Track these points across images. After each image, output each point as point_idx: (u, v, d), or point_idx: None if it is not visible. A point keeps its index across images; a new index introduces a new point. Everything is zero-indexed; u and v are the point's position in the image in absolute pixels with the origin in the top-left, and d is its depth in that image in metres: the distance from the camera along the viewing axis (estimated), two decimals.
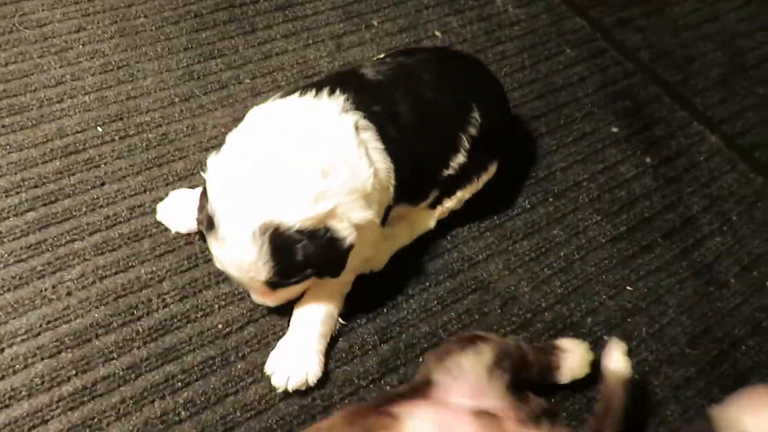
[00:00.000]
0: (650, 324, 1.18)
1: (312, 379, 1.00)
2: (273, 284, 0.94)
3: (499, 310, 1.14)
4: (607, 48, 1.62)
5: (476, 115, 1.11)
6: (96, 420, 0.92)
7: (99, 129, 1.20)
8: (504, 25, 1.58)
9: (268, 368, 0.99)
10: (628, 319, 1.18)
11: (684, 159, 1.45)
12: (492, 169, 1.18)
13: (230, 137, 0.98)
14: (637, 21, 1.72)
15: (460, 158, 1.11)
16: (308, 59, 1.40)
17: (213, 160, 0.95)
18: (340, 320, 1.05)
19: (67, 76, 1.25)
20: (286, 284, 0.95)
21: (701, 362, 1.17)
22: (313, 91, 1.00)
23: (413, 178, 1.06)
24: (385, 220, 1.06)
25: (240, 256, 0.90)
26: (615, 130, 1.46)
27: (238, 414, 0.97)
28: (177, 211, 1.11)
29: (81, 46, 1.29)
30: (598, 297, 1.20)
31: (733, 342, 1.20)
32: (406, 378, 1.04)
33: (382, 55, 1.21)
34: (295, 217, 0.89)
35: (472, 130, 1.11)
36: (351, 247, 0.94)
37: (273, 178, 0.90)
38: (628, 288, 1.22)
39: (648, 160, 1.42)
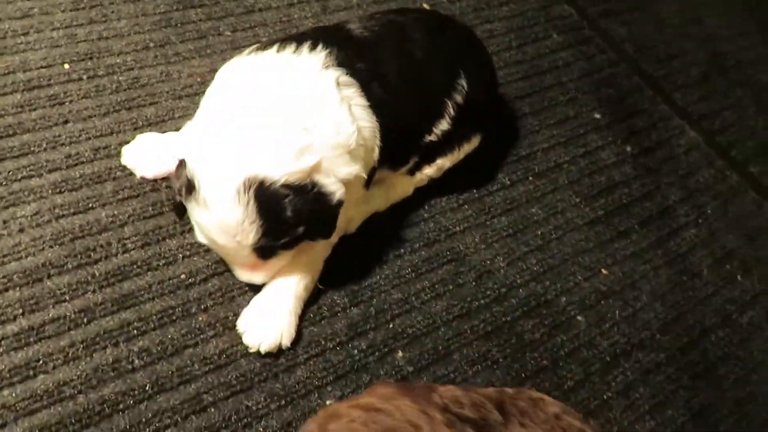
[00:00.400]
0: (624, 308, 1.17)
1: (286, 342, 0.95)
2: (263, 250, 0.88)
3: (473, 283, 1.11)
4: (592, 36, 1.61)
5: (463, 82, 1.08)
6: (41, 362, 0.86)
7: (66, 66, 1.13)
8: (493, 5, 1.56)
9: (241, 325, 0.94)
10: (602, 302, 1.17)
11: (663, 151, 1.45)
12: (474, 141, 1.15)
13: (206, 94, 0.93)
14: (622, 14, 1.72)
15: (444, 125, 1.08)
16: (292, 18, 1.36)
17: (189, 123, 0.90)
18: (318, 284, 1.00)
19: (35, 10, 1.17)
20: (276, 248, 0.89)
21: (672, 348, 1.15)
22: (293, 46, 0.95)
23: (397, 141, 1.02)
24: (369, 183, 1.02)
25: (225, 217, 0.84)
26: (597, 116, 1.45)
27: (196, 367, 0.91)
28: (144, 155, 1.05)
29: None
30: (574, 278, 1.18)
31: (704, 331, 1.20)
32: (374, 344, 1.00)
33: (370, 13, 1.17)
34: (280, 170, 0.84)
35: (458, 98, 1.08)
36: (341, 203, 0.90)
37: (253, 133, 0.85)
38: (604, 271, 1.20)
39: (628, 148, 1.41)
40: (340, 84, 0.93)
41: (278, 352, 0.95)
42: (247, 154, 0.84)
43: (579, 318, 1.13)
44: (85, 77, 1.12)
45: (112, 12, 1.22)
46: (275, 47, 0.96)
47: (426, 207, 1.18)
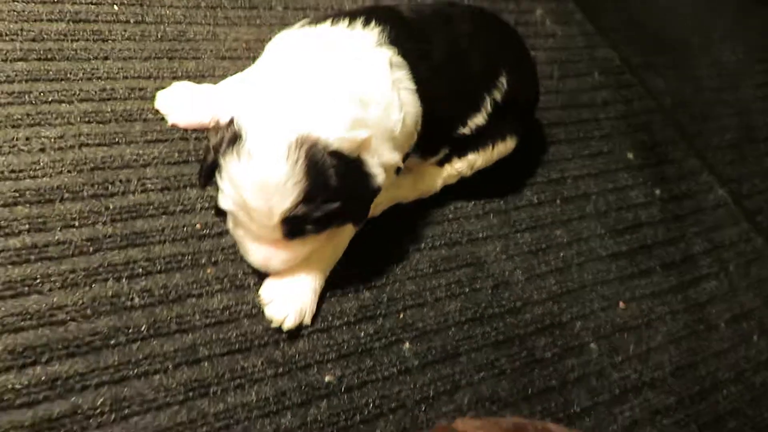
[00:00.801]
0: (638, 344, 1.12)
1: (308, 321, 0.91)
2: (293, 224, 0.82)
3: (490, 291, 1.07)
4: (633, 83, 1.61)
5: (504, 80, 1.07)
6: (38, 282, 0.81)
7: (115, 7, 1.11)
8: (539, 35, 1.57)
9: (265, 296, 0.89)
10: (617, 334, 1.12)
11: (691, 201, 1.42)
12: (510, 142, 1.12)
13: (259, 59, 0.91)
14: (663, 68, 1.73)
15: (480, 119, 1.06)
16: (343, 6, 1.35)
17: (230, 79, 0.87)
18: (338, 265, 0.97)
19: None
20: (307, 223, 0.83)
21: (682, 394, 1.10)
22: (346, 21, 0.94)
23: (431, 128, 1.00)
24: (399, 169, 0.99)
25: (269, 171, 0.77)
26: (630, 156, 1.43)
27: (197, 318, 0.87)
28: (179, 102, 1.02)
29: None
30: (591, 305, 1.14)
31: (716, 383, 1.15)
32: (382, 330, 0.96)
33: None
34: (335, 134, 0.80)
35: (497, 95, 1.06)
36: (379, 188, 0.87)
37: (311, 95, 0.82)
38: (622, 305, 1.16)
39: (657, 192, 1.39)
40: (393, 64, 0.92)
41: None
42: (304, 113, 0.80)
43: (592, 345, 1.08)
44: (132, 20, 1.11)
45: None
46: (329, 21, 0.95)
47: (452, 208, 1.14)
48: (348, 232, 0.97)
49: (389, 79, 0.90)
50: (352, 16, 0.95)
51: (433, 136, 1.03)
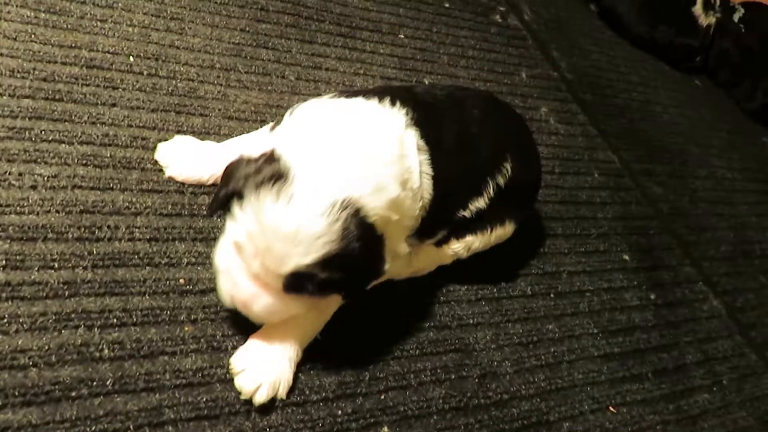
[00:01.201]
0: None
1: (282, 394, 0.86)
2: (300, 279, 0.78)
3: (476, 380, 1.03)
4: (632, 187, 1.63)
5: (508, 166, 1.07)
6: (5, 321, 0.77)
7: (131, 59, 1.13)
8: (542, 132, 1.59)
9: (236, 364, 0.85)
10: None
11: (686, 309, 1.40)
12: (508, 227, 1.11)
13: (293, 117, 0.88)
14: (661, 177, 1.75)
15: (481, 203, 1.05)
16: (354, 85, 1.38)
17: (245, 136, 0.91)
18: (318, 335, 0.92)
19: (119, 5, 1.20)
20: (308, 286, 0.79)
21: None
22: (376, 98, 0.92)
23: (435, 212, 0.98)
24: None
25: (306, 222, 0.75)
26: (626, 257, 1.42)
27: (167, 377, 0.82)
28: (179, 156, 1.01)
29: None
30: (580, 406, 1.09)
31: None
32: (361, 410, 0.91)
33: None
34: (377, 208, 0.80)
35: (501, 180, 1.06)
36: (384, 272, 0.86)
37: (364, 162, 0.81)
38: (612, 409, 1.12)
39: (652, 296, 1.37)
40: (420, 149, 0.91)
41: None
42: (356, 177, 0.79)
43: None
44: (145, 73, 1.12)
45: (190, 28, 1.25)
46: (360, 96, 0.93)
47: (444, 291, 1.12)
48: (334, 303, 0.93)
49: (417, 164, 0.89)
50: (379, 95, 0.93)
51: (435, 219, 1.01)
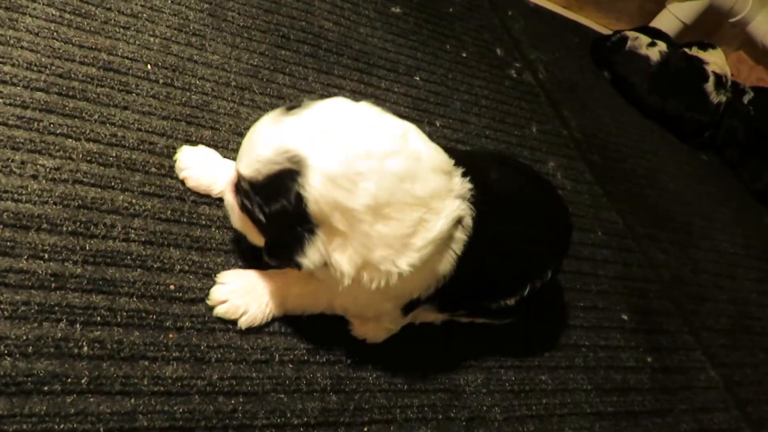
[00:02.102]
0: None
1: (244, 323, 0.89)
2: (240, 195, 0.84)
3: (464, 423, 0.99)
4: (634, 249, 1.61)
5: (549, 273, 1.05)
6: None
7: (148, 67, 1.13)
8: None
9: (220, 278, 0.91)
10: None
11: (683, 377, 1.37)
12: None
13: None
14: (664, 243, 1.74)
15: (512, 301, 1.03)
16: None
17: None
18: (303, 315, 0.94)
19: (144, 15, 1.21)
20: (251, 209, 0.83)
21: None
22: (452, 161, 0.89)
23: (458, 296, 0.97)
24: (409, 311, 0.94)
25: (264, 141, 0.81)
26: (625, 317, 1.39)
27: (145, 383, 0.78)
28: (199, 162, 1.01)
29: (169, 2, 1.28)
30: None
31: None
32: None
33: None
34: (318, 194, 0.77)
35: (537, 283, 1.04)
36: (300, 266, 0.81)
37: (355, 151, 0.78)
38: None
39: (649, 359, 1.34)
40: (462, 224, 0.87)
41: (236, 406, 0.82)
42: (334, 158, 0.77)
43: None
44: (161, 81, 1.12)
45: (210, 45, 1.26)
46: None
47: (438, 329, 1.09)
48: (322, 290, 0.91)
49: (443, 229, 0.83)
50: (457, 158, 0.90)
51: (460, 301, 1.00)
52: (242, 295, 0.89)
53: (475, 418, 1.00)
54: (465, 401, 1.02)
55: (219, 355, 0.85)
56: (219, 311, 0.87)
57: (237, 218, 0.89)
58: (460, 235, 0.87)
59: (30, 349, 0.74)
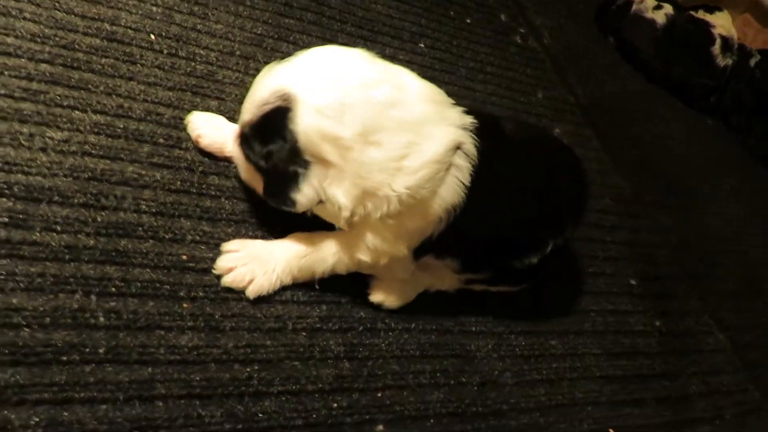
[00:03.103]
0: None
1: (251, 291, 0.89)
2: (242, 140, 0.90)
3: (476, 388, 1.00)
4: (642, 215, 1.61)
5: (570, 231, 1.07)
6: (2, 278, 0.75)
7: (152, 36, 1.12)
8: None
9: (224, 247, 0.91)
10: None
11: (691, 340, 1.37)
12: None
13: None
14: (672, 209, 1.73)
15: (534, 259, 1.03)
16: None
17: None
18: (317, 284, 0.94)
19: None
20: (251, 154, 0.89)
21: None
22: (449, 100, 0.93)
23: (476, 245, 0.97)
24: (418, 255, 0.95)
25: (259, 87, 0.88)
26: (633, 283, 1.40)
27: (161, 352, 0.79)
28: (210, 123, 1.02)
29: None
30: (580, 425, 1.06)
31: None
32: (356, 406, 0.88)
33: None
34: (308, 126, 0.82)
35: (560, 242, 1.05)
36: (294, 203, 0.85)
37: (342, 86, 0.84)
38: (611, 431, 1.08)
39: (657, 323, 1.35)
40: (462, 148, 0.88)
41: (251, 373, 0.83)
42: (314, 84, 0.84)
43: None
44: (165, 52, 1.11)
45: (213, 14, 1.24)
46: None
47: (449, 296, 1.09)
48: (329, 244, 0.92)
49: (437, 151, 0.85)
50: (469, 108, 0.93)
51: (478, 256, 1.00)
52: (247, 262, 0.89)
53: (486, 382, 1.01)
54: (476, 366, 1.03)
55: (233, 324, 0.86)
56: (226, 281, 0.87)
57: (244, 170, 0.94)
58: (462, 163, 0.88)
59: (47, 320, 0.75)
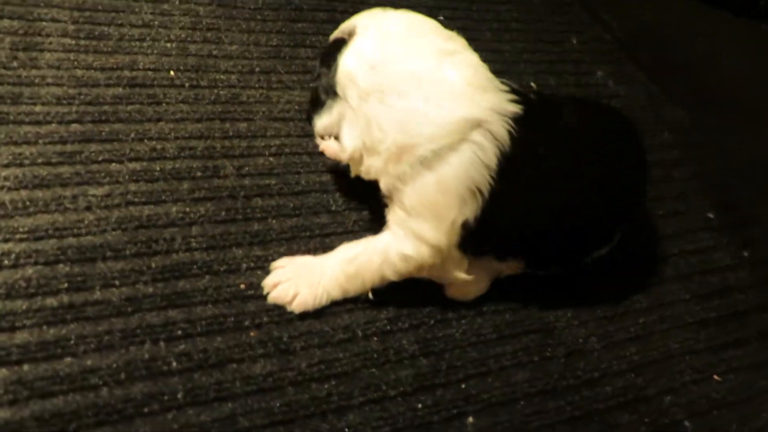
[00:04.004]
0: (742, 422, 0.97)
1: (296, 306, 0.87)
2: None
3: (562, 360, 0.96)
4: (705, 142, 1.51)
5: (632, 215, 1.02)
6: (72, 343, 0.76)
7: (171, 73, 1.12)
8: (602, 96, 1.51)
9: (273, 265, 0.91)
10: (715, 411, 0.98)
11: None
12: None
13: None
14: (734, 128, 1.61)
15: (603, 251, 0.98)
16: None
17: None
18: (370, 294, 0.91)
19: (155, 23, 1.20)
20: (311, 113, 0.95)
21: None
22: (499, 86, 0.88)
23: (541, 244, 0.93)
24: (468, 247, 0.89)
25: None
26: (710, 216, 1.31)
27: (238, 385, 0.79)
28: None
29: (177, 2, 1.26)
30: (680, 377, 1.00)
31: None
32: (442, 402, 0.86)
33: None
34: (352, 56, 0.88)
35: (625, 228, 1.00)
36: (313, 125, 0.94)
37: (400, 30, 0.88)
38: (716, 377, 1.02)
39: (745, 254, 1.26)
40: (484, 127, 0.82)
41: (331, 390, 0.82)
42: (376, 20, 0.91)
43: (686, 423, 0.94)
44: (187, 85, 1.11)
45: (226, 37, 1.24)
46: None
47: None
48: (377, 250, 0.89)
49: (448, 120, 0.81)
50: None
51: (547, 256, 0.96)
52: (292, 277, 0.88)
53: (572, 352, 0.97)
54: (559, 338, 0.99)
55: (303, 343, 0.85)
56: (271, 297, 0.87)
57: (326, 146, 0.94)
58: (485, 142, 0.82)
59: (122, 375, 0.76)
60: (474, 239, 0.87)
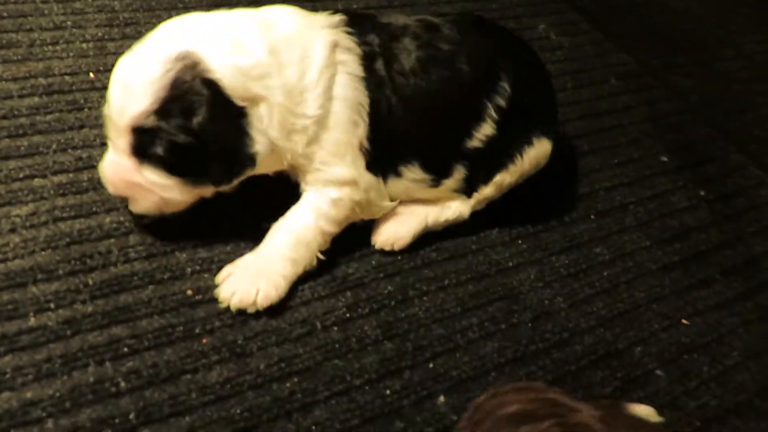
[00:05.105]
0: (712, 365, 0.97)
1: (262, 302, 0.83)
2: (139, 141, 0.78)
3: (529, 324, 0.94)
4: (654, 85, 1.50)
5: (505, 84, 0.96)
6: (9, 377, 0.72)
7: (91, 75, 1.06)
8: (545, 49, 1.47)
9: (219, 278, 0.84)
10: (685, 356, 0.97)
11: (743, 199, 1.28)
12: (541, 146, 1.00)
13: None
14: (685, 68, 1.61)
15: (487, 129, 0.95)
16: None
17: None
18: (320, 254, 0.89)
19: (68, 23, 1.13)
20: (155, 151, 0.78)
21: None
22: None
23: (419, 137, 0.93)
24: (378, 168, 0.91)
25: (137, 69, 0.77)
26: (664, 159, 1.30)
27: (194, 396, 0.75)
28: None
29: (90, 0, 1.18)
30: (649, 326, 0.99)
31: None
32: (410, 385, 0.83)
33: None
34: (224, 67, 0.78)
35: (500, 101, 0.96)
36: (254, 158, 0.80)
37: (222, 29, 0.81)
38: (684, 321, 1.02)
39: (702, 193, 1.25)
40: (339, 46, 0.87)
41: (294, 387, 0.79)
42: (204, 37, 0.79)
43: (658, 372, 0.93)
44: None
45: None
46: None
47: (474, 238, 1.03)
48: (306, 212, 0.88)
49: (322, 55, 0.84)
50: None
51: (434, 150, 0.94)
52: (247, 277, 0.83)
53: (539, 315, 0.95)
54: (524, 302, 0.97)
55: (259, 344, 0.81)
56: (234, 304, 0.82)
57: (162, 187, 0.81)
58: (346, 56, 0.87)
59: (67, 404, 0.71)
60: (374, 155, 0.89)
